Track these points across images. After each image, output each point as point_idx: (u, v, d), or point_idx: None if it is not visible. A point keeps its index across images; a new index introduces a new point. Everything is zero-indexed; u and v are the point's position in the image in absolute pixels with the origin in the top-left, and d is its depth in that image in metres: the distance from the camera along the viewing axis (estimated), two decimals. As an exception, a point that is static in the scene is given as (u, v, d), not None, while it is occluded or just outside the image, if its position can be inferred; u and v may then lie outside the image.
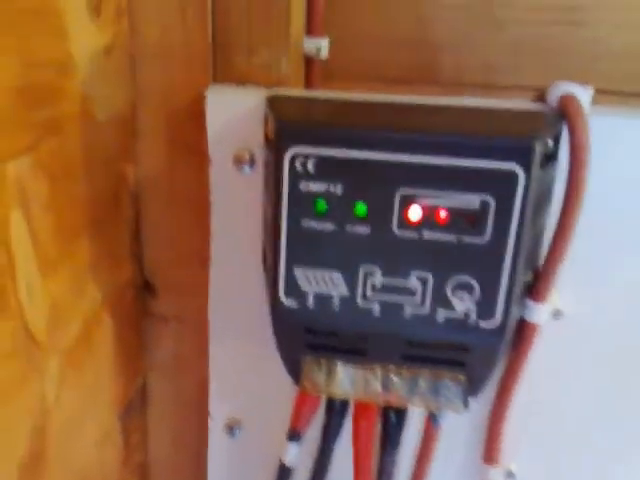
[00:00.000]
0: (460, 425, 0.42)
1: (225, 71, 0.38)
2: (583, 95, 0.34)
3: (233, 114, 0.37)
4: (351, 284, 0.34)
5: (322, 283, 0.34)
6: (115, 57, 0.37)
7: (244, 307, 0.42)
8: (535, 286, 0.36)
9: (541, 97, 0.36)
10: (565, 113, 0.33)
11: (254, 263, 0.40)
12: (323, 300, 0.35)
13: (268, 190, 0.36)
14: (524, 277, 0.34)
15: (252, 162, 0.38)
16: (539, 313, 0.37)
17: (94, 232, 0.37)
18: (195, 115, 0.39)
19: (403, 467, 0.42)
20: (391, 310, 0.34)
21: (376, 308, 0.34)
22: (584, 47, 0.40)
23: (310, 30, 0.41)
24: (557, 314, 0.38)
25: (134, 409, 0.46)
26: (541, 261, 0.36)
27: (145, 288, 0.44)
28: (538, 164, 0.31)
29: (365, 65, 0.42)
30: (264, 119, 0.36)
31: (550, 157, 0.33)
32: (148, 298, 0.45)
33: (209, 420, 0.45)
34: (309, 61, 0.41)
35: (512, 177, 0.31)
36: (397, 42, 0.42)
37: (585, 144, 0.33)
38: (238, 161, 0.38)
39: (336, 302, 0.35)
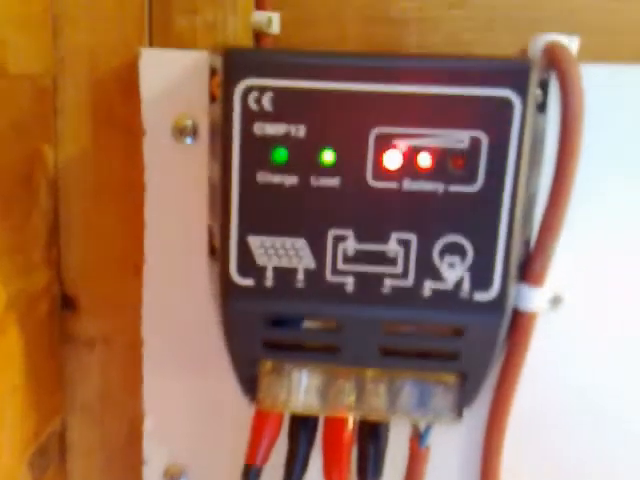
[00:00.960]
0: (452, 446, 0.35)
1: (163, 32, 0.33)
2: (570, 44, 0.31)
3: (171, 77, 0.32)
4: (319, 253, 0.28)
5: (283, 254, 0.28)
6: (34, 9, 0.32)
7: (186, 321, 0.35)
8: (529, 266, 0.31)
9: (523, 54, 0.32)
10: (553, 60, 0.29)
11: (199, 262, 0.34)
12: (285, 276, 0.28)
13: (215, 158, 0.30)
14: (521, 237, 0.29)
15: (194, 131, 0.32)
16: (535, 299, 0.31)
17: (2, 214, 0.30)
18: (128, 86, 0.33)
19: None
20: (367, 284, 0.28)
21: (349, 282, 0.28)
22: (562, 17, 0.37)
23: (259, 5, 0.37)
24: (556, 301, 0.33)
25: (49, 459, 0.37)
26: (534, 237, 0.31)
27: (64, 303, 0.37)
28: (534, 92, 0.27)
29: (320, 43, 0.38)
30: (209, 72, 0.31)
31: (539, 107, 0.29)
32: (68, 316, 0.37)
33: (144, 468, 0.37)
34: (259, 37, 0.37)
35: (507, 106, 0.26)
36: (355, 19, 0.38)
37: (578, 91, 0.29)
38: (178, 131, 0.32)
39: (301, 277, 0.28)
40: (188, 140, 0.32)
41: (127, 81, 0.33)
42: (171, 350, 0.35)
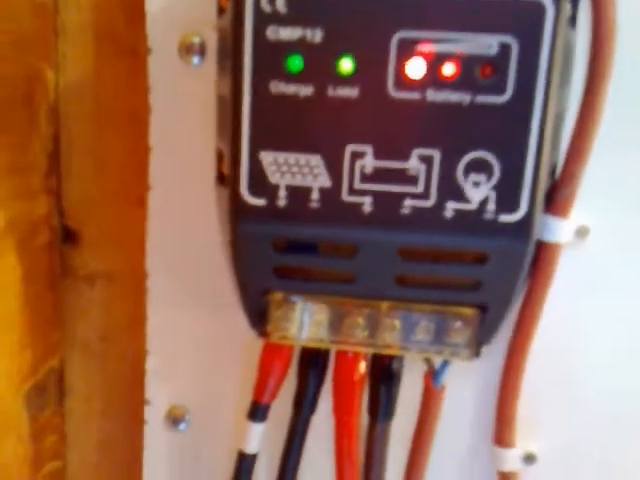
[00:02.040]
0: (468, 387, 0.33)
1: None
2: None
3: (179, -9, 0.30)
4: (335, 171, 0.26)
5: (297, 171, 0.27)
6: None
7: (193, 253, 0.34)
8: (554, 194, 0.30)
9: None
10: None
11: (206, 190, 0.32)
12: (299, 195, 0.27)
13: (224, 74, 0.28)
14: (550, 159, 0.27)
15: (202, 51, 0.31)
16: (561, 229, 0.30)
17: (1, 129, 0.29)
18: (132, 5, 0.32)
19: (398, 444, 0.33)
20: (386, 205, 0.27)
21: (367, 202, 0.27)
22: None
23: None
24: (582, 232, 0.31)
25: (47, 398, 0.36)
26: (560, 164, 0.30)
27: (64, 236, 0.35)
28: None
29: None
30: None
31: (570, 21, 0.28)
32: (68, 249, 0.35)
33: (146, 409, 0.36)
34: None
35: (539, 9, 0.24)
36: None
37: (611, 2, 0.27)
38: (185, 49, 0.31)
39: (315, 197, 0.27)
40: (195, 60, 0.31)
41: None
42: (177, 284, 0.34)
